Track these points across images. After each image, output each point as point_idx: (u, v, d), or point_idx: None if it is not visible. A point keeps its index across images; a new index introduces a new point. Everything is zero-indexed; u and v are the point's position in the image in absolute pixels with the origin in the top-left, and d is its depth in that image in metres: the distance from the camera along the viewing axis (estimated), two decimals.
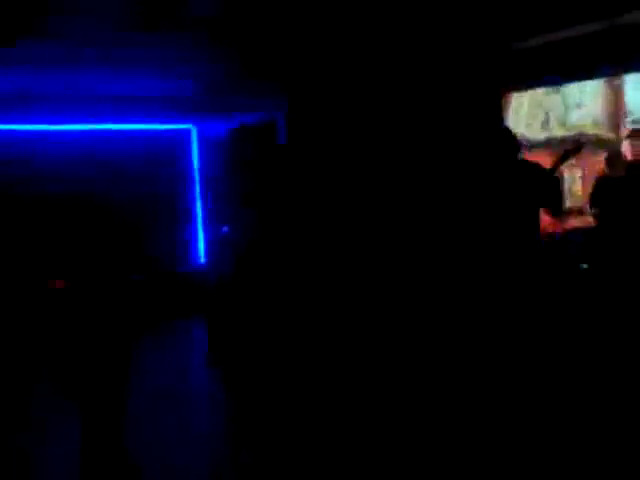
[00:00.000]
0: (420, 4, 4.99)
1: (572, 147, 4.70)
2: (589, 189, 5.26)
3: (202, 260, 9.50)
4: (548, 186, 4.33)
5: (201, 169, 9.63)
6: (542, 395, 4.22)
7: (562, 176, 5.36)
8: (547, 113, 6.34)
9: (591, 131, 5.97)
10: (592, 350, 4.67)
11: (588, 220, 5.34)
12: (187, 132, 9.64)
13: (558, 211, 4.41)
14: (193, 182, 9.64)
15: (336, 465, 3.75)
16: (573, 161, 5.06)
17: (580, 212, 5.70)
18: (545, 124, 6.36)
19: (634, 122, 5.65)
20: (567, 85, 6.15)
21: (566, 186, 5.83)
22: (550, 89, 6.30)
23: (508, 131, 4.58)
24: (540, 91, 6.37)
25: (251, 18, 5.12)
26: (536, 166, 4.47)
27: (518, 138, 4.61)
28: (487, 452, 3.74)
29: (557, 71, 5.98)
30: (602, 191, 5.07)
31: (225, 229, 7.90)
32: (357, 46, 6.01)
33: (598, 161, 5.38)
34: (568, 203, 5.64)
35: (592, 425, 3.95)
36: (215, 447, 4.18)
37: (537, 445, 3.76)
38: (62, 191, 7.31)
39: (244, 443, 4.22)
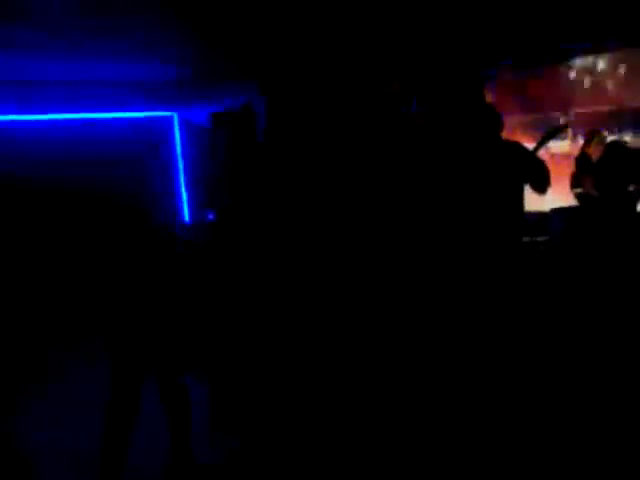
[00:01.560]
0: None
1: (555, 127, 4.64)
2: None
3: None
4: (531, 165, 4.29)
5: (184, 156, 9.55)
6: (528, 378, 4.24)
7: None
8: None
9: None
10: (574, 330, 4.70)
11: None
12: (169, 119, 9.55)
13: (543, 189, 4.34)
14: (176, 169, 9.56)
15: (327, 462, 3.73)
16: None
17: None
18: None
19: None
20: None
21: None
22: None
23: (491, 108, 4.49)
24: None
25: (229, 3, 5.06)
26: (517, 145, 4.42)
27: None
28: (483, 448, 3.73)
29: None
30: (584, 171, 5.08)
31: (210, 216, 7.84)
32: (336, 33, 5.97)
33: None
34: None
35: (583, 414, 3.97)
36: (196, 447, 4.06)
37: (523, 434, 3.78)
38: (38, 182, 7.29)
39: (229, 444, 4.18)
